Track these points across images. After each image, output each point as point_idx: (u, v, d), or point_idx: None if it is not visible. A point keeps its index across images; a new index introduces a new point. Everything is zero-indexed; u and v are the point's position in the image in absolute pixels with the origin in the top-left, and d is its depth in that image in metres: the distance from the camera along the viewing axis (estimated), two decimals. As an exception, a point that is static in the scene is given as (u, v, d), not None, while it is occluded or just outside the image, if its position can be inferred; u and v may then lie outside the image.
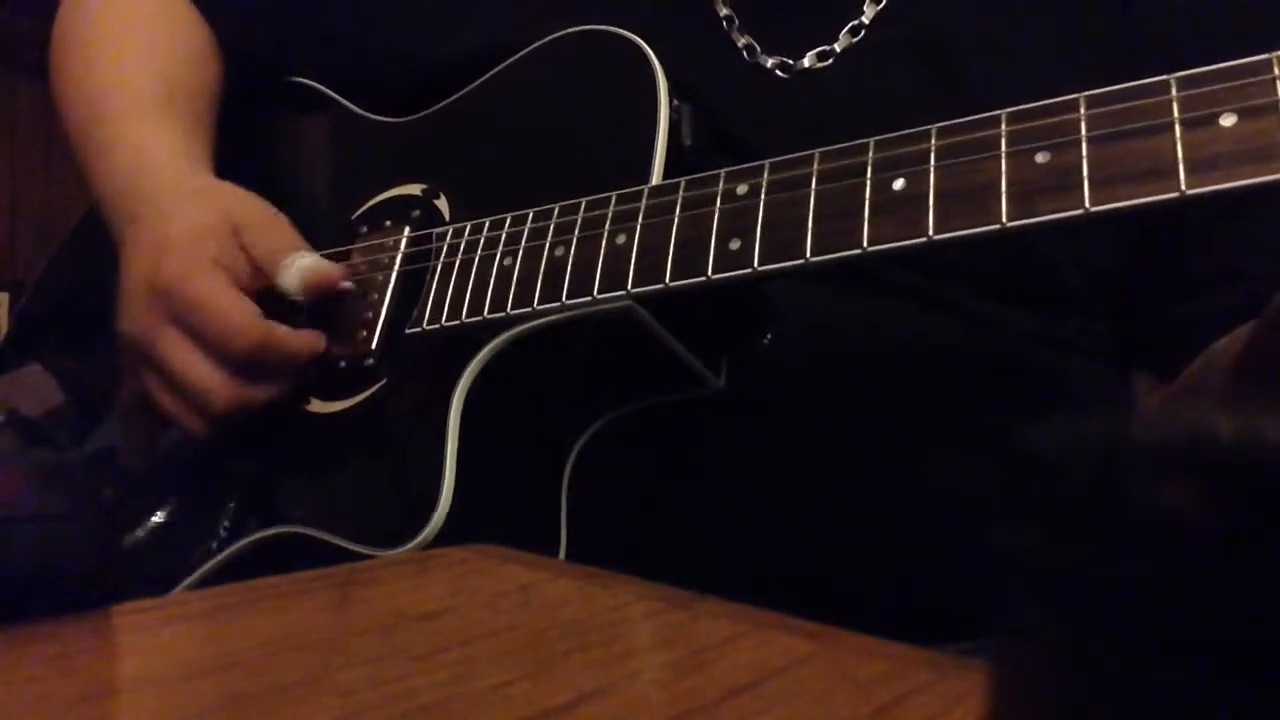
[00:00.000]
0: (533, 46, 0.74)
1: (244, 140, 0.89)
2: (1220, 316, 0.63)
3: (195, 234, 0.71)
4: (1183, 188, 0.46)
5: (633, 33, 0.68)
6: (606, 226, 0.62)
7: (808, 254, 0.54)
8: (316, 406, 0.73)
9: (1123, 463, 0.15)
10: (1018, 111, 0.52)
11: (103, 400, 0.82)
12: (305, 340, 0.72)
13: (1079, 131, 0.49)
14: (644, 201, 0.61)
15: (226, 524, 0.73)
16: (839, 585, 0.62)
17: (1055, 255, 0.68)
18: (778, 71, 0.73)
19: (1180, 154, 0.46)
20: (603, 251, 0.61)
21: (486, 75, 0.77)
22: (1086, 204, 0.48)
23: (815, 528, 0.65)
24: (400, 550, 0.61)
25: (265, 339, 0.69)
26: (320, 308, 0.76)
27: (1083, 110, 0.50)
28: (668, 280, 0.58)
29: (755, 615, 0.39)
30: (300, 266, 0.72)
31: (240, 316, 0.69)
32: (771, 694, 0.31)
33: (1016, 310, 0.68)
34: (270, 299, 0.72)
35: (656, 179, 0.62)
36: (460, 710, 0.30)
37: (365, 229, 0.78)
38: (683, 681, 0.33)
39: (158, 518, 0.77)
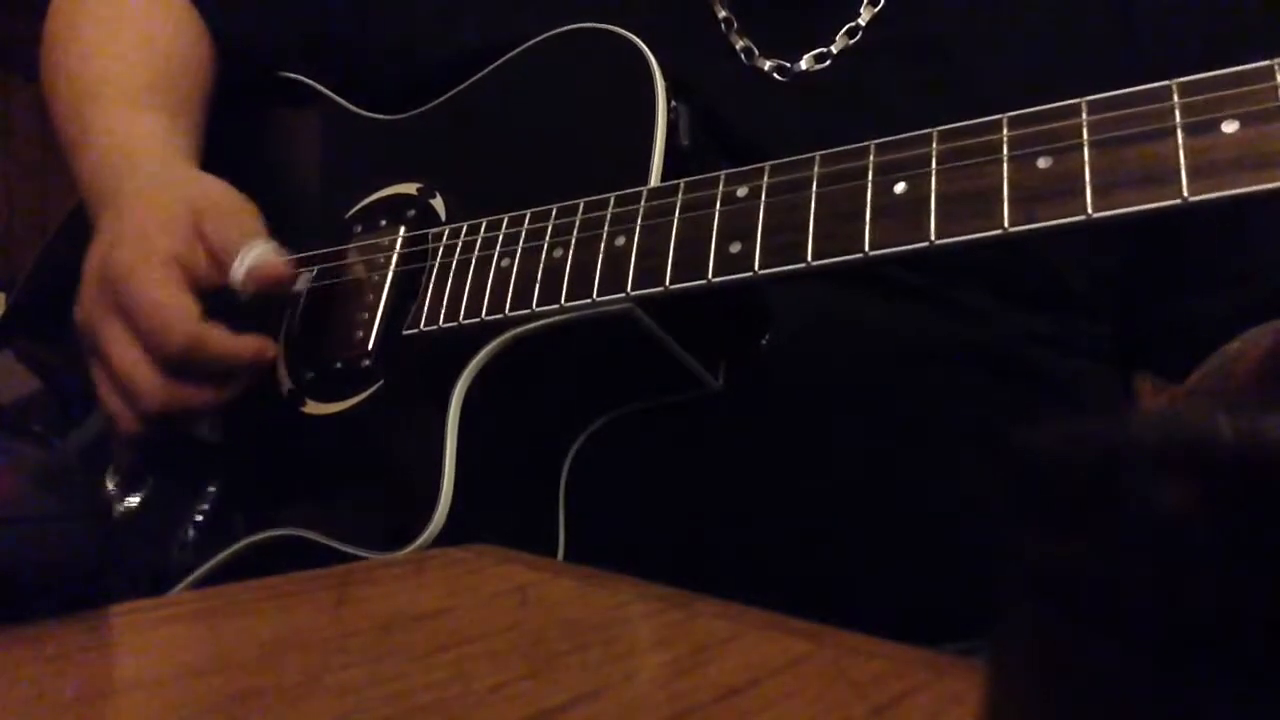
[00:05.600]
0: (528, 44, 0.74)
1: (237, 138, 0.89)
2: (1222, 318, 0.64)
3: (153, 225, 0.71)
4: (1185, 194, 0.46)
5: (630, 33, 0.68)
6: (605, 228, 0.61)
7: (809, 257, 0.54)
8: (313, 408, 0.73)
9: (1123, 463, 0.15)
10: (1019, 116, 0.52)
11: (84, 392, 0.82)
12: (246, 345, 0.70)
13: (1081, 136, 0.49)
14: (643, 203, 0.61)
15: (225, 525, 0.73)
16: (837, 585, 0.62)
17: (1056, 256, 0.68)
18: (775, 74, 0.73)
19: (1182, 160, 0.46)
20: (601, 253, 0.61)
21: (482, 73, 0.77)
22: (1089, 210, 0.48)
23: (814, 527, 0.65)
24: (400, 553, 0.61)
25: (194, 341, 0.68)
26: (315, 307, 0.76)
27: (1085, 115, 0.50)
28: (668, 283, 0.58)
29: (753, 615, 0.40)
30: (244, 259, 0.70)
31: (172, 315, 0.68)
32: (769, 694, 0.31)
33: (1017, 310, 0.68)
34: (225, 297, 0.71)
35: (655, 180, 0.62)
36: (458, 710, 0.30)
37: (360, 228, 0.78)
38: (680, 681, 0.33)
39: (156, 518, 0.77)
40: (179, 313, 0.68)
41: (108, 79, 0.84)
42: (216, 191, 0.74)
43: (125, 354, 0.69)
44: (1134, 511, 0.14)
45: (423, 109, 0.81)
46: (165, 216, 0.71)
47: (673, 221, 0.59)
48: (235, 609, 0.43)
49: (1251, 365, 0.47)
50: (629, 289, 0.59)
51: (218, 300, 0.71)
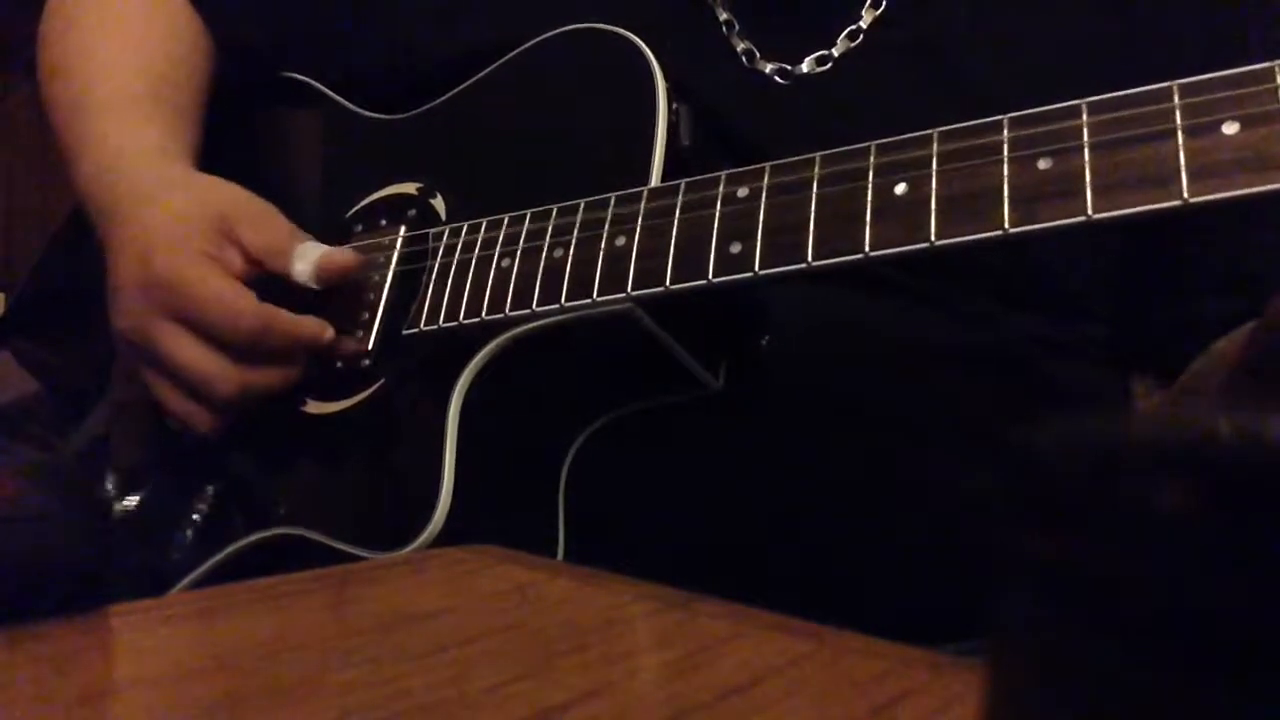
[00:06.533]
0: (529, 44, 0.74)
1: (238, 137, 0.89)
2: (1219, 320, 0.64)
3: (180, 226, 0.71)
4: (1185, 195, 0.46)
5: (631, 34, 0.68)
6: (605, 228, 0.61)
7: (809, 258, 0.54)
8: (314, 407, 0.73)
9: (1123, 463, 0.15)
10: (1020, 117, 0.52)
11: (83, 393, 0.82)
12: (309, 324, 0.71)
13: (1081, 138, 0.49)
14: (643, 203, 0.61)
15: (224, 525, 0.73)
16: (837, 585, 0.62)
17: (1055, 258, 0.68)
18: (777, 77, 0.73)
19: (1183, 161, 0.46)
20: (602, 253, 0.61)
21: (482, 73, 0.77)
22: (1089, 211, 0.48)
23: (813, 528, 0.65)
24: (400, 552, 0.61)
25: (269, 321, 0.69)
26: (316, 304, 0.76)
27: (1085, 116, 0.50)
28: (668, 283, 0.58)
29: (753, 615, 0.39)
30: (313, 256, 0.71)
31: (241, 301, 0.69)
32: (769, 694, 0.31)
33: (1016, 312, 0.68)
34: (265, 287, 0.71)
35: (655, 180, 0.62)
36: (457, 710, 0.30)
37: (360, 228, 0.78)
38: (680, 681, 0.33)
39: (155, 518, 0.77)
40: (244, 299, 0.69)
41: (103, 83, 0.84)
42: (228, 190, 0.75)
43: (191, 350, 0.69)
44: (1133, 512, 0.14)
45: (423, 109, 0.81)
46: (189, 216, 0.71)
47: (673, 222, 0.59)
48: (235, 609, 0.43)
49: (1228, 365, 0.47)
50: (629, 289, 0.59)
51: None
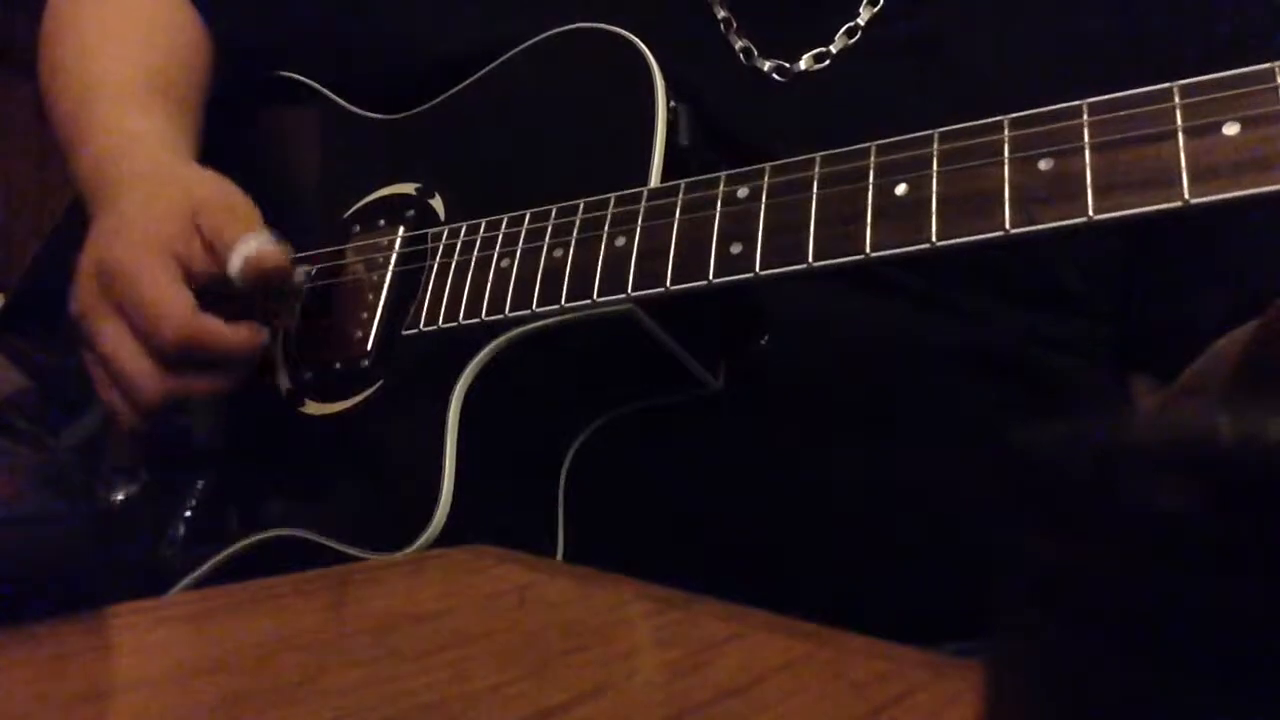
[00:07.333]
0: (528, 44, 0.74)
1: (236, 137, 0.89)
2: (1219, 319, 0.63)
3: (149, 218, 0.71)
4: (1186, 196, 0.46)
5: (629, 33, 0.68)
6: (605, 228, 0.61)
7: (809, 258, 0.54)
8: (313, 408, 0.73)
9: (1123, 463, 0.15)
10: (1020, 117, 0.52)
11: (78, 392, 0.82)
12: (240, 335, 0.70)
13: (1082, 138, 0.49)
14: (643, 204, 0.61)
15: (223, 526, 0.73)
16: (836, 585, 0.62)
17: (1055, 256, 0.68)
18: (774, 74, 0.73)
19: (1183, 162, 0.46)
20: (602, 254, 0.61)
21: (481, 72, 0.77)
22: (1090, 212, 0.48)
23: (813, 527, 0.65)
24: (400, 553, 0.61)
25: (191, 332, 0.68)
26: (315, 306, 0.76)
27: (1086, 117, 0.50)
28: (668, 284, 0.58)
29: (752, 616, 0.39)
30: (241, 252, 0.70)
31: (169, 307, 0.68)
32: (768, 694, 0.31)
33: (1016, 311, 0.68)
34: (221, 289, 0.71)
35: (655, 180, 0.62)
36: (457, 710, 0.30)
37: (358, 228, 0.77)
38: (679, 682, 0.33)
39: (151, 517, 0.77)
40: (174, 305, 0.68)
41: (107, 78, 0.84)
42: (212, 184, 0.74)
43: (120, 348, 0.69)
44: (1133, 512, 0.14)
45: (421, 109, 0.81)
46: (162, 209, 0.71)
47: (673, 222, 0.59)
48: (234, 609, 0.43)
49: (1227, 365, 0.47)
50: (629, 290, 0.59)
51: (215, 292, 0.70)
